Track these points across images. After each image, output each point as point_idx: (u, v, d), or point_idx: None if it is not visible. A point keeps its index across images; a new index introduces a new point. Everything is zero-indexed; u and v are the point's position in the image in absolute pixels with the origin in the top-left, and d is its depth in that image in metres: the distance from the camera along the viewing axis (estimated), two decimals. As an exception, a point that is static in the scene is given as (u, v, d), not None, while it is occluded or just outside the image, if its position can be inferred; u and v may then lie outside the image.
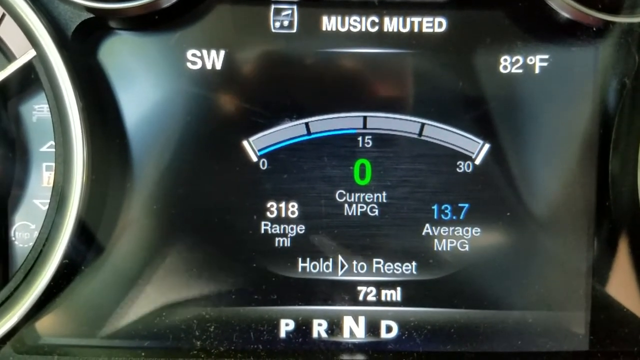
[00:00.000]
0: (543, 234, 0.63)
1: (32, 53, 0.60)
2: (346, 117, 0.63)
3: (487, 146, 0.63)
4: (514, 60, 0.63)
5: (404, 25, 0.63)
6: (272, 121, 0.63)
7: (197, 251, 0.63)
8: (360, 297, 0.64)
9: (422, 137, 0.63)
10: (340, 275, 0.64)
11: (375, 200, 0.64)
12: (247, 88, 0.63)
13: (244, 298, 0.63)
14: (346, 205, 0.64)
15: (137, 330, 0.63)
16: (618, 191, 0.62)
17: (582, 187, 0.63)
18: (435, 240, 0.64)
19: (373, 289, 0.64)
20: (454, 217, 0.63)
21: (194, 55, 0.63)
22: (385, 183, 0.63)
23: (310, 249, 0.64)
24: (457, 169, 0.63)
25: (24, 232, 0.64)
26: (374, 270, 0.64)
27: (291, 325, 0.64)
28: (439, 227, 0.63)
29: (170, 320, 0.63)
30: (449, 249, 0.64)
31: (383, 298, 0.64)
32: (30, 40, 0.59)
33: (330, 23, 0.63)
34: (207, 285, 0.63)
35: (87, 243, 0.62)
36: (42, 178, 0.64)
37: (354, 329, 0.64)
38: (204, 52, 0.62)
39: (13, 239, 0.64)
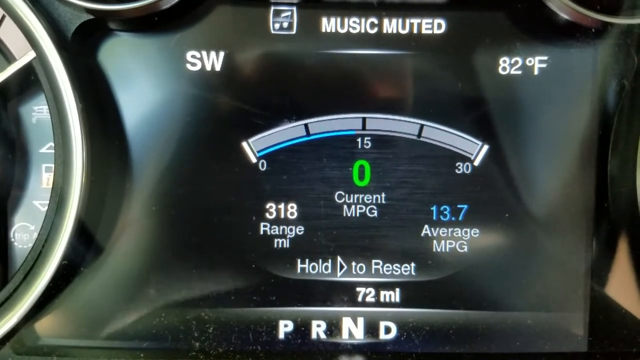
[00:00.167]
0: (542, 235, 0.63)
1: (31, 54, 0.60)
2: (345, 118, 0.63)
3: (486, 147, 0.63)
4: (513, 61, 0.63)
5: (403, 27, 0.63)
6: (271, 122, 0.63)
7: (196, 252, 0.63)
8: (359, 298, 0.64)
9: (421, 139, 0.63)
10: (339, 276, 0.64)
11: (374, 202, 0.64)
12: (247, 89, 0.63)
13: (242, 299, 0.63)
14: (345, 207, 0.64)
15: (136, 331, 0.63)
16: (617, 192, 0.62)
17: (581, 188, 0.63)
18: (434, 241, 0.64)
19: (372, 290, 0.64)
20: (453, 218, 0.63)
21: (193, 56, 0.63)
22: (384, 184, 0.64)
23: (309, 250, 0.64)
24: (456, 170, 0.63)
25: (23, 233, 0.64)
26: (372, 271, 0.64)
27: (290, 326, 0.64)
28: (437, 228, 0.63)
29: (169, 321, 0.63)
30: (447, 250, 0.64)
31: (382, 299, 0.64)
32: (30, 42, 0.59)
33: (329, 24, 0.63)
34: (206, 286, 0.63)
35: (87, 244, 0.62)
36: (42, 179, 0.64)
37: (352, 330, 0.64)
38: (204, 53, 0.63)
39: (12, 240, 0.64)
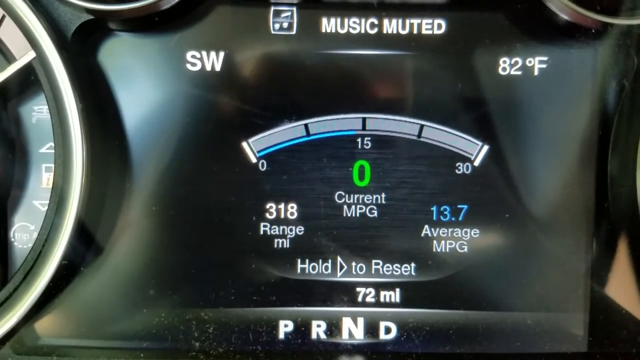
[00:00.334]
0: (542, 235, 0.63)
1: (31, 54, 0.60)
2: (345, 118, 0.63)
3: (486, 148, 0.63)
4: (513, 62, 0.63)
5: (404, 27, 0.63)
6: (271, 122, 0.63)
7: (196, 252, 0.63)
8: (359, 298, 0.64)
9: (421, 139, 0.63)
10: (339, 277, 0.64)
11: (374, 202, 0.64)
12: (247, 89, 0.63)
13: (242, 299, 0.63)
14: (345, 207, 0.64)
15: (136, 331, 0.63)
16: (617, 192, 0.62)
17: (581, 188, 0.63)
18: (434, 242, 0.64)
19: (372, 290, 0.64)
20: (453, 219, 0.63)
21: (193, 56, 0.63)
22: (384, 184, 0.64)
23: (309, 250, 0.64)
24: (456, 171, 0.63)
25: (23, 233, 0.64)
26: (373, 271, 0.64)
27: (290, 326, 0.64)
28: (438, 229, 0.64)
29: (169, 321, 0.63)
30: (447, 250, 0.64)
31: (382, 299, 0.64)
32: (30, 42, 0.59)
33: (329, 25, 0.63)
34: (206, 286, 0.63)
35: (87, 244, 0.62)
36: (42, 179, 0.64)
37: (352, 330, 0.64)
38: (204, 53, 0.63)
39: (12, 239, 0.64)
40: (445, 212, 0.63)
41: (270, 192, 0.63)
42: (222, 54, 0.63)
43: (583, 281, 0.63)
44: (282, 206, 0.63)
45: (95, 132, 0.60)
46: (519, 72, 0.63)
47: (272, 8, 0.63)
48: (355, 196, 0.64)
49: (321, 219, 0.63)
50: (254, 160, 0.63)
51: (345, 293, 0.64)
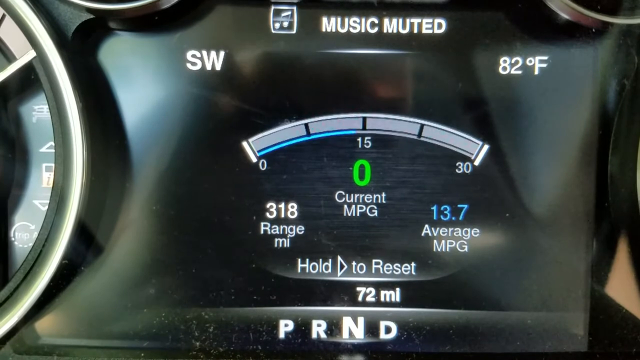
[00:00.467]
0: (542, 235, 0.63)
1: (32, 54, 0.60)
2: (346, 118, 0.63)
3: (486, 147, 0.63)
4: (513, 61, 0.63)
5: (404, 27, 0.63)
6: (271, 122, 0.63)
7: (196, 252, 0.63)
8: (360, 298, 0.64)
9: (422, 138, 0.63)
10: (339, 276, 0.64)
11: (374, 201, 0.64)
12: (247, 89, 0.63)
13: (243, 299, 0.63)
14: (345, 206, 0.64)
15: (136, 330, 0.63)
16: (617, 192, 0.62)
17: (581, 188, 0.63)
18: (435, 241, 0.64)
19: (372, 290, 0.64)
20: (453, 218, 0.63)
21: (193, 56, 0.63)
22: (384, 184, 0.64)
23: (309, 250, 0.64)
24: (457, 170, 0.63)
25: (23, 232, 0.64)
26: (373, 270, 0.64)
27: (290, 325, 0.64)
28: (438, 228, 0.64)
29: (169, 321, 0.63)
30: (448, 249, 0.64)
31: (382, 299, 0.64)
32: (30, 41, 0.59)
33: (330, 24, 0.63)
34: (206, 285, 0.63)
35: (87, 243, 0.62)
36: (42, 178, 0.64)
37: (353, 330, 0.64)
38: (204, 52, 0.63)
39: (13, 239, 0.64)
40: (445, 212, 0.64)
41: (271, 192, 0.63)
42: (222, 54, 0.63)
43: (583, 281, 0.63)
44: (282, 206, 0.63)
45: (96, 132, 0.60)
46: (520, 72, 0.63)
47: (273, 7, 0.63)
48: (356, 196, 0.64)
49: (321, 218, 0.63)
50: (254, 159, 0.63)
51: (345, 292, 0.64)
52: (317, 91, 0.63)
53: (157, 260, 0.63)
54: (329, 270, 0.64)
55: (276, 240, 0.64)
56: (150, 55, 0.63)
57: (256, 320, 0.64)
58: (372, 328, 0.64)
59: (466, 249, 0.64)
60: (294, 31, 0.63)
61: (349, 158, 0.63)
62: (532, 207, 0.63)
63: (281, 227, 0.64)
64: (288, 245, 0.64)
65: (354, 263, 0.64)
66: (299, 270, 0.64)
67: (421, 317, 0.64)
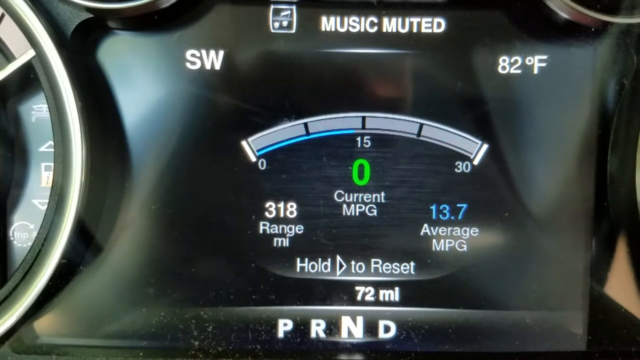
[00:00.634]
0: (541, 234, 0.63)
1: (31, 53, 0.60)
2: (345, 117, 0.63)
3: (485, 146, 0.63)
4: (512, 60, 0.63)
5: (403, 26, 0.63)
6: (271, 121, 0.63)
7: (195, 251, 0.63)
8: (359, 297, 0.64)
9: (421, 138, 0.63)
10: (338, 275, 0.64)
11: (373, 201, 0.64)
12: (246, 88, 0.63)
13: (242, 298, 0.63)
14: (345, 206, 0.64)
15: (135, 330, 0.63)
16: (616, 191, 0.62)
17: (580, 187, 0.63)
18: (434, 241, 0.64)
19: (371, 289, 0.64)
20: (452, 217, 0.63)
21: (193, 55, 0.63)
22: (383, 183, 0.64)
23: (308, 249, 0.64)
24: (456, 169, 0.63)
25: (22, 232, 0.64)
26: (372, 270, 0.64)
27: (289, 325, 0.64)
28: (437, 227, 0.64)
29: (168, 320, 0.63)
30: (447, 249, 0.64)
31: (381, 298, 0.64)
32: (29, 40, 0.59)
33: (329, 23, 0.63)
34: (205, 285, 0.63)
35: (86, 243, 0.62)
36: (41, 178, 0.64)
37: (352, 329, 0.64)
38: (203, 52, 0.63)
39: (12, 238, 0.64)
40: (444, 211, 0.63)
41: (270, 191, 0.63)
42: (221, 53, 0.63)
43: (582, 280, 0.63)
44: (281, 205, 0.63)
45: (95, 131, 0.60)
46: (519, 71, 0.63)
47: (272, 6, 0.63)
48: (355, 195, 0.64)
49: (321, 217, 0.63)
50: (253, 159, 0.63)
51: (344, 292, 0.64)
52: (317, 90, 0.63)
53: (156, 259, 0.63)
54: (328, 270, 0.64)
55: (275, 239, 0.64)
56: (149, 55, 0.63)
57: (255, 320, 0.64)
58: (371, 327, 0.64)
59: (465, 249, 0.64)
60: (293, 30, 0.63)
61: (348, 157, 0.63)
62: (531, 206, 0.63)
63: (280, 226, 0.64)
64: (287, 245, 0.64)
65: (353, 262, 0.64)
66: (298, 270, 0.64)
67: (420, 316, 0.64)
